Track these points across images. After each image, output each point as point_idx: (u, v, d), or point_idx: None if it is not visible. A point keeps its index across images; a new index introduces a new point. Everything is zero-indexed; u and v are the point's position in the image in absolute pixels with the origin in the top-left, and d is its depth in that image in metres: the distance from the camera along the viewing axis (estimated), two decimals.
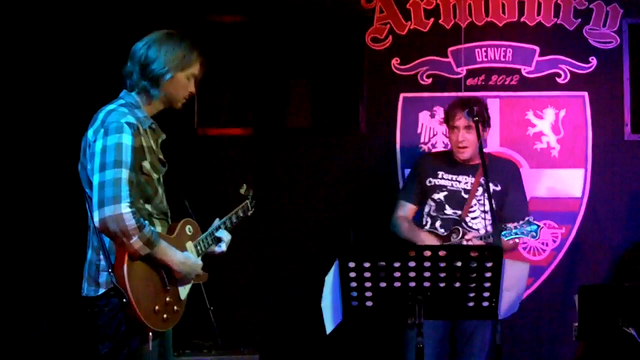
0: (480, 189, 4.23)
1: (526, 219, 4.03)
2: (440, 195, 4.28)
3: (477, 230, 4.19)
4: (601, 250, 4.99)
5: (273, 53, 5.13)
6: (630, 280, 4.75)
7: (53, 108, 4.98)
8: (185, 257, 3.16)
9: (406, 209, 4.39)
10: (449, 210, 4.24)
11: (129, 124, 3.02)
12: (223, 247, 3.38)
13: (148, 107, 3.18)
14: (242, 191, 3.61)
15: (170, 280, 3.15)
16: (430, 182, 4.31)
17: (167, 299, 3.13)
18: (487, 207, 4.17)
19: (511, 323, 4.24)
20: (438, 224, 4.26)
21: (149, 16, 4.94)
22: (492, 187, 4.17)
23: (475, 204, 4.23)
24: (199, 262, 3.25)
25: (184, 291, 3.23)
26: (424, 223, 4.32)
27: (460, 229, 4.14)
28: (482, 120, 4.12)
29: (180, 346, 4.56)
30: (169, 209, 3.28)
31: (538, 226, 4.00)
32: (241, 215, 3.55)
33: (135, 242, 2.95)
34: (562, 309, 4.89)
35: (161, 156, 3.23)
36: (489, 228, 4.17)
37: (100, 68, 4.87)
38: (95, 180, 2.97)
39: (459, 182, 4.28)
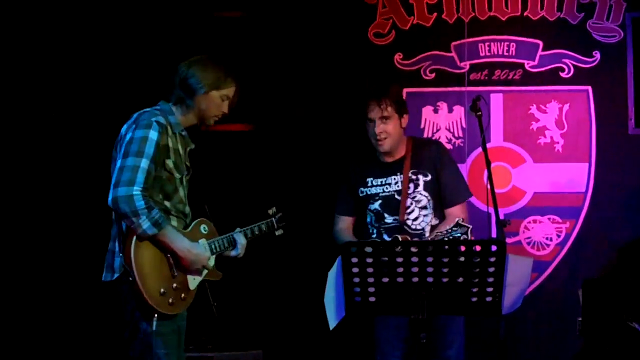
0: (412, 186, 4.06)
1: (456, 220, 3.77)
2: (375, 205, 4.10)
3: (423, 229, 4.05)
4: (605, 244, 4.97)
5: (275, 48, 5.12)
6: (633, 275, 4.74)
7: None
8: (191, 245, 3.35)
9: (344, 222, 4.20)
10: (388, 219, 4.08)
11: (158, 122, 3.32)
12: (239, 250, 3.58)
13: (182, 118, 3.48)
14: (270, 212, 3.80)
15: (179, 267, 3.34)
16: (362, 192, 4.14)
17: (174, 284, 3.32)
18: (423, 204, 4.05)
19: (515, 318, 4.22)
20: (383, 234, 4.10)
21: (152, 11, 4.96)
22: (421, 178, 4.07)
23: (411, 204, 4.06)
24: (206, 253, 3.42)
25: (193, 282, 3.41)
26: (370, 232, 4.15)
27: (400, 236, 3.93)
28: (396, 108, 3.99)
29: (184, 342, 4.56)
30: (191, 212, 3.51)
31: (468, 228, 3.72)
32: (264, 230, 3.74)
33: (144, 221, 3.19)
34: (566, 303, 4.88)
35: (188, 163, 3.49)
36: (434, 221, 4.05)
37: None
38: (117, 164, 3.26)
39: (389, 184, 4.10)
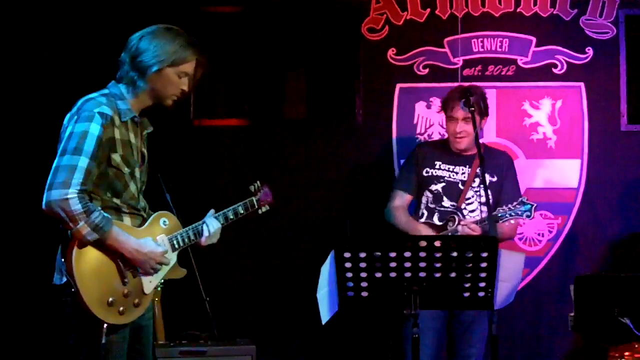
0: (477, 180, 4.21)
1: (519, 199, 4.02)
2: (438, 187, 4.25)
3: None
4: (597, 240, 5.00)
5: (269, 44, 5.12)
6: (625, 271, 4.76)
7: (41, 102, 4.95)
8: (139, 244, 3.05)
9: (403, 199, 4.34)
10: (446, 202, 4.23)
11: (101, 114, 2.99)
12: (206, 233, 3.24)
13: (135, 100, 3.13)
14: (252, 188, 3.48)
15: (130, 270, 3.06)
16: (427, 172, 4.28)
17: (125, 291, 3.03)
18: (484, 199, 4.17)
19: (507, 313, 4.23)
20: (436, 216, 4.23)
21: (144, 6, 4.93)
22: (488, 178, 4.17)
23: (472, 196, 4.22)
24: (158, 249, 3.11)
25: (149, 285, 3.12)
26: (420, 215, 4.28)
27: (456, 217, 4.12)
28: (478, 110, 4.11)
29: (176, 337, 4.57)
30: (148, 204, 3.22)
31: (532, 205, 3.98)
32: (242, 212, 3.40)
33: (82, 227, 2.90)
34: (558, 299, 4.90)
35: (144, 149, 3.20)
36: (485, 215, 4.16)
37: (94, 60, 4.87)
38: (54, 163, 2.96)
39: (456, 173, 4.26)
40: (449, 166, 4.28)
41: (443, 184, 4.25)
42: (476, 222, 4.07)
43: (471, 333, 4.16)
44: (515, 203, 4.01)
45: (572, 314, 3.99)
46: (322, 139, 5.12)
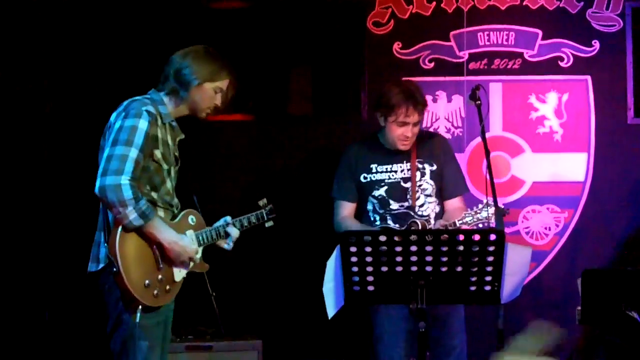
0: (418, 174, 4.11)
1: (484, 202, 3.89)
2: (380, 192, 4.13)
3: (428, 215, 4.10)
4: (604, 234, 4.98)
5: (274, 39, 5.11)
6: (633, 265, 4.74)
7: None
8: (177, 237, 3.31)
9: (347, 209, 4.20)
10: (394, 205, 4.10)
11: (148, 112, 3.28)
12: (230, 244, 3.55)
13: (174, 108, 3.45)
14: (261, 204, 3.74)
15: (164, 259, 3.30)
16: (365, 178, 4.16)
17: (160, 276, 3.28)
18: (429, 192, 4.11)
19: (514, 307, 4.22)
20: (390, 220, 4.13)
21: (151, 3, 4.94)
22: (427, 168, 4.14)
23: (417, 191, 4.11)
24: (192, 246, 3.39)
25: (179, 274, 3.37)
26: (373, 219, 4.16)
27: (418, 221, 4.01)
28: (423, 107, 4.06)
29: (183, 332, 4.57)
30: (180, 204, 3.48)
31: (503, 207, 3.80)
32: (254, 222, 3.69)
33: (130, 212, 3.15)
34: (564, 293, 4.89)
35: (177, 154, 3.46)
36: (437, 209, 4.11)
37: (106, 61, 4.89)
38: (106, 153, 3.21)
39: (395, 171, 4.13)
40: (386, 166, 4.14)
41: (385, 187, 4.13)
42: (445, 227, 3.95)
43: (450, 326, 4.08)
44: (481, 206, 3.89)
45: (579, 308, 3.98)
46: (327, 134, 5.11)
